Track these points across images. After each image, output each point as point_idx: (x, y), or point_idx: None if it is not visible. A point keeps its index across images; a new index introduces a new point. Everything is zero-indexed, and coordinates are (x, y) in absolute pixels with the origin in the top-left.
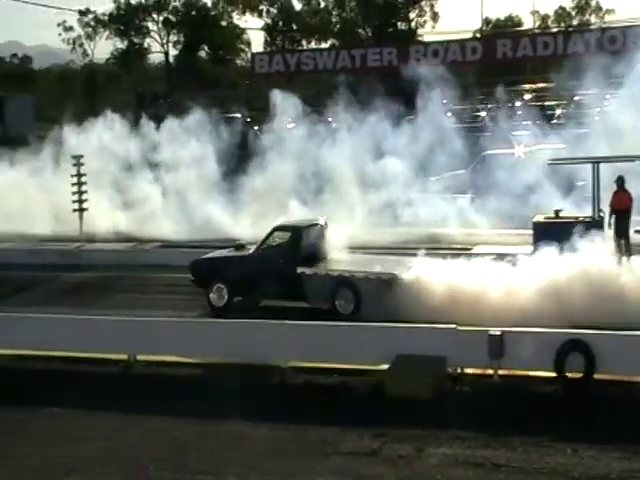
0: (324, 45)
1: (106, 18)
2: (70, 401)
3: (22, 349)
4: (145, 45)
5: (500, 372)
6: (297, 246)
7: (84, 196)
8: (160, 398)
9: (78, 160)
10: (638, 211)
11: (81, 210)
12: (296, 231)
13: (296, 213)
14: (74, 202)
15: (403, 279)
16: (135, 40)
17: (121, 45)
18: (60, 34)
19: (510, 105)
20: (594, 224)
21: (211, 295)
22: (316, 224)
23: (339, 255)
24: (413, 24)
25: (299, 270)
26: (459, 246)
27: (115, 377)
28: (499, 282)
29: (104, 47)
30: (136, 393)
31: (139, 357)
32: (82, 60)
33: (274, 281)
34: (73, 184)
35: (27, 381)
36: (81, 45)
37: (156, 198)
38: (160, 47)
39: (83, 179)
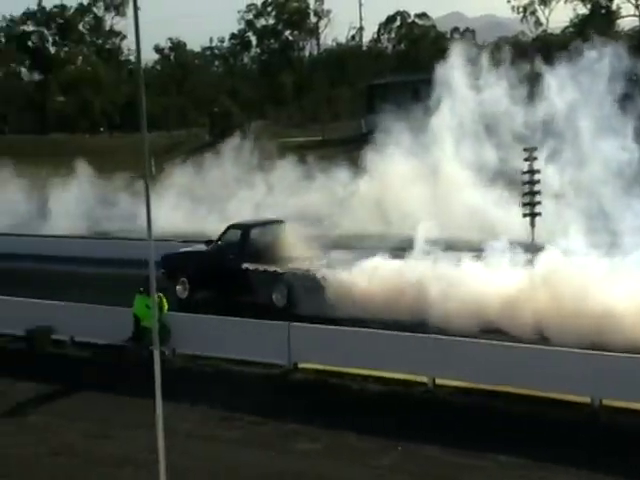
0: None
1: None
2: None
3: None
4: (614, 8)
5: None
6: (245, 243)
7: (537, 198)
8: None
9: (531, 154)
10: None
11: (532, 215)
12: (245, 229)
13: None
14: (524, 205)
15: (329, 277)
16: (602, 2)
17: (584, 10)
18: (509, 1)
19: None
20: None
21: (177, 287)
22: (271, 223)
23: (304, 253)
24: None
25: (244, 266)
26: None
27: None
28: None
29: (560, 14)
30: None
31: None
32: (534, 31)
33: (225, 276)
34: (525, 183)
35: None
36: (533, 13)
37: None
38: (635, 9)
39: (536, 177)
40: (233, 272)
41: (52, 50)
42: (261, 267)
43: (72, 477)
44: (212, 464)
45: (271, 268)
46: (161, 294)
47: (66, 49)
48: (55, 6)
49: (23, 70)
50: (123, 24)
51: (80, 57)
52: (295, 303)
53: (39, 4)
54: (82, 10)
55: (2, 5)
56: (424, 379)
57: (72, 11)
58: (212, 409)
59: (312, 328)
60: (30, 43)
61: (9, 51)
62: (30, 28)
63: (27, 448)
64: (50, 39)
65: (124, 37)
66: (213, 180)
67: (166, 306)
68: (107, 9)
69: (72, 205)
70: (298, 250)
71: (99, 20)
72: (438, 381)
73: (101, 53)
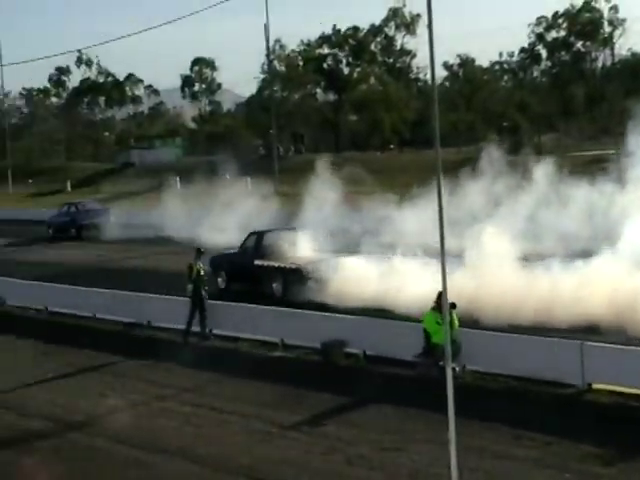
0: None
1: None
2: None
3: None
4: None
5: None
6: (259, 245)
7: None
8: None
9: None
10: None
11: None
12: (259, 234)
13: None
14: None
15: (311, 270)
16: None
17: None
18: None
19: None
20: None
21: (218, 279)
22: (284, 230)
23: (307, 254)
24: None
25: (255, 263)
26: None
27: None
28: None
29: None
30: None
31: None
32: None
33: (245, 271)
34: None
35: None
36: None
37: None
38: None
39: None
40: (250, 268)
41: (345, 71)
42: (266, 263)
43: None
44: None
45: (273, 264)
46: (453, 310)
47: (358, 69)
48: (348, 28)
49: (319, 91)
50: (413, 42)
51: (372, 76)
52: (288, 292)
53: (334, 28)
54: (374, 31)
55: (300, 30)
56: None
57: (364, 32)
58: (504, 427)
59: (608, 348)
60: (325, 65)
61: (306, 74)
62: (325, 51)
63: (321, 457)
64: (344, 60)
65: (414, 55)
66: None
67: (457, 322)
68: (398, 28)
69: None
70: (303, 252)
71: (390, 40)
72: None
73: (392, 72)
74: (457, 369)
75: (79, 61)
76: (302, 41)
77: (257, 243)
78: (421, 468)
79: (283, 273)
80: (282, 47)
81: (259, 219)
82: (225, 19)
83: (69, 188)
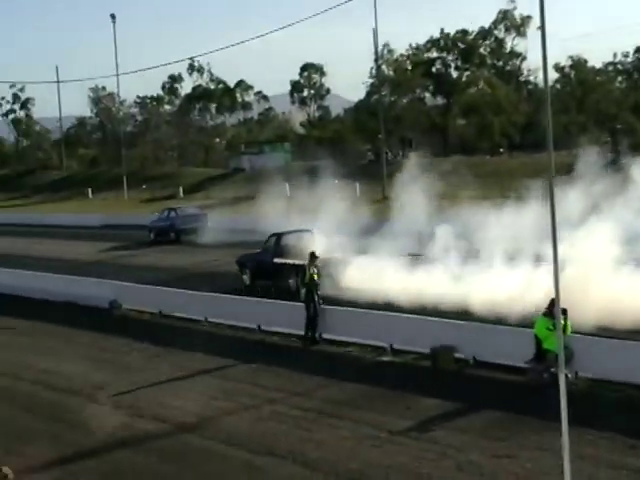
0: None
1: None
2: None
3: None
4: None
5: None
6: (277, 245)
7: None
8: None
9: None
10: None
11: None
12: (278, 235)
13: None
14: None
15: (322, 267)
16: None
17: None
18: None
19: None
20: None
21: (243, 276)
22: (300, 232)
23: (324, 254)
24: None
25: (274, 260)
26: None
27: None
28: None
29: None
30: None
31: None
32: None
33: (266, 269)
34: None
35: None
36: None
37: None
38: None
39: None
40: (270, 265)
41: (454, 74)
42: (284, 261)
43: None
44: None
45: (290, 262)
46: (565, 316)
47: (467, 73)
48: (457, 32)
49: (427, 95)
50: (523, 45)
51: (481, 80)
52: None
53: (442, 31)
54: (483, 33)
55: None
56: None
57: (473, 35)
58: (618, 436)
59: None
60: (434, 69)
61: (415, 78)
62: (434, 55)
63: (431, 463)
64: (452, 64)
65: (524, 58)
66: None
67: (569, 328)
68: (507, 30)
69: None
70: (319, 252)
71: (500, 42)
72: None
73: (501, 75)
74: (569, 376)
75: (191, 69)
76: (410, 45)
77: (276, 243)
78: (533, 476)
79: (297, 270)
80: (390, 51)
81: (364, 223)
82: (333, 25)
83: (181, 194)
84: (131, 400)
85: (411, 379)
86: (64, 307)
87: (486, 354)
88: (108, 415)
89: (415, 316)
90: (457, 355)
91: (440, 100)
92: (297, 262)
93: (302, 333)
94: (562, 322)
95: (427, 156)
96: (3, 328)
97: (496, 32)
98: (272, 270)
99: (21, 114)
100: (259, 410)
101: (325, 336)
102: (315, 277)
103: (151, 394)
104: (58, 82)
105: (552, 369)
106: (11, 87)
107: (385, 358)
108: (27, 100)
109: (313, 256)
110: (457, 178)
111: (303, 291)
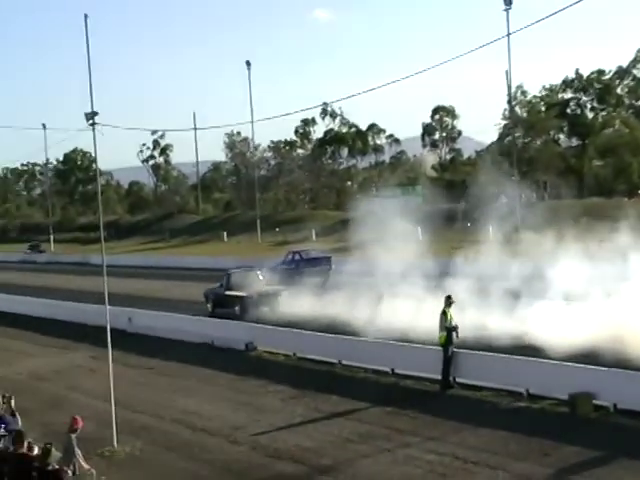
0: None
1: None
2: None
3: None
4: None
5: None
6: (228, 281)
7: None
8: None
9: None
10: None
11: None
12: (229, 274)
13: None
14: None
15: (257, 298)
16: None
17: None
18: None
19: None
20: None
21: (207, 305)
22: (248, 269)
23: (258, 287)
24: None
25: (225, 293)
26: None
27: None
28: None
29: None
30: None
31: None
32: None
33: (220, 299)
34: None
35: None
36: None
37: None
38: None
39: None
40: (223, 297)
41: (589, 115)
42: (231, 293)
43: None
44: None
45: (235, 294)
46: None
47: (603, 113)
48: (592, 72)
49: (561, 137)
50: None
51: (617, 120)
52: (244, 313)
53: (576, 72)
54: (621, 73)
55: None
56: None
57: (610, 75)
58: None
59: None
60: (568, 110)
61: (548, 119)
62: (568, 95)
63: None
64: (588, 105)
65: None
66: None
67: None
68: None
69: None
70: (256, 286)
71: (638, 81)
72: None
73: (639, 114)
74: None
75: (324, 113)
76: (544, 86)
77: (227, 280)
78: None
79: (240, 300)
80: (524, 93)
81: (493, 265)
82: (465, 67)
83: (314, 237)
84: (267, 441)
85: (549, 425)
86: (201, 348)
87: (628, 401)
88: (247, 456)
89: (552, 361)
90: (596, 402)
91: (575, 141)
92: (239, 294)
93: (435, 377)
94: None
95: (562, 198)
96: (143, 368)
97: (635, 71)
98: (224, 300)
99: (160, 160)
100: (394, 454)
101: (459, 380)
102: (452, 321)
103: (286, 436)
104: (195, 129)
105: None
106: (152, 134)
107: (521, 403)
108: (166, 146)
109: (449, 299)
110: (592, 220)
111: (442, 335)
